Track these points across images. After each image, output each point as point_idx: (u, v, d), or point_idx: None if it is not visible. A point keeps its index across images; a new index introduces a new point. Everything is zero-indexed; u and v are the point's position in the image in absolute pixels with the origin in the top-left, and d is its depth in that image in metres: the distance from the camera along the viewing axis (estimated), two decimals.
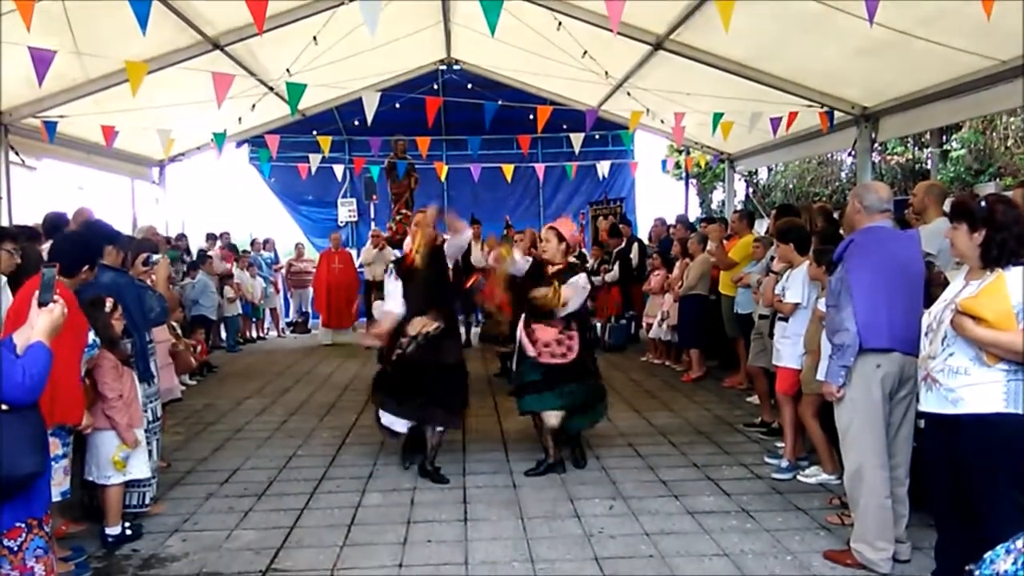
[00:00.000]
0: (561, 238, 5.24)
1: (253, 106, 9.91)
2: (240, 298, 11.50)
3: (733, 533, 4.15)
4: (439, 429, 5.12)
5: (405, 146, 11.63)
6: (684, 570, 3.72)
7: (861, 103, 8.40)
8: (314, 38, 8.26)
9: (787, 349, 5.06)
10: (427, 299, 5.11)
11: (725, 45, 8.03)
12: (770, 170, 18.63)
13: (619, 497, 4.73)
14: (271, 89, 9.99)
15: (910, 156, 15.90)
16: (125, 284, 4.32)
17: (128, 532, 4.14)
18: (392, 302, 5.20)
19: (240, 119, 10.27)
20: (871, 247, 3.58)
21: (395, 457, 5.50)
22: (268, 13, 6.00)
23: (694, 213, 15.66)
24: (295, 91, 8.11)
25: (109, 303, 3.97)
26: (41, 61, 5.98)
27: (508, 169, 12.05)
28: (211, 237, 12.33)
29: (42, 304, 2.52)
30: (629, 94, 10.14)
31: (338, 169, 12.96)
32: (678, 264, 8.81)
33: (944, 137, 14.06)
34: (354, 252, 13.23)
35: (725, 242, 8.00)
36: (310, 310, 13.71)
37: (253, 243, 13.50)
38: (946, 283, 3.45)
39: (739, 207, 12.53)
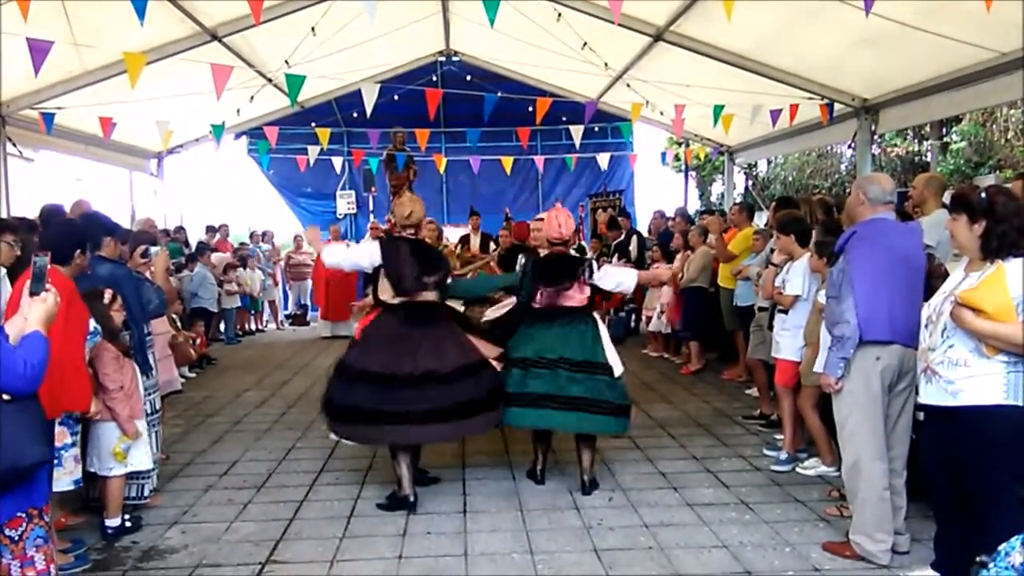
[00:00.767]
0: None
1: (251, 98, 9.86)
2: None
3: (732, 525, 4.16)
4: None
5: (404, 138, 11.58)
6: (683, 562, 3.72)
7: (861, 95, 8.37)
8: (312, 29, 8.22)
9: (786, 341, 5.06)
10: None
11: (725, 37, 8.00)
12: (770, 162, 18.59)
13: (618, 489, 4.74)
14: (269, 81, 9.94)
15: (909, 148, 15.88)
16: (123, 276, 4.32)
17: (127, 524, 4.15)
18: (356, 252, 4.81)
19: (238, 111, 10.23)
20: (874, 239, 3.57)
21: None
22: (265, 4, 6.01)
23: (693, 206, 15.62)
24: (295, 82, 8.08)
25: (108, 294, 3.96)
26: (38, 51, 5.93)
27: (507, 161, 12.00)
28: (211, 229, 12.32)
29: (33, 294, 2.49)
30: (629, 86, 10.11)
31: (337, 161, 12.90)
32: (679, 256, 8.80)
33: (944, 129, 14.06)
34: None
35: (724, 234, 8.00)
36: (309, 303, 13.70)
37: (252, 235, 13.49)
38: (946, 275, 3.44)
39: (738, 199, 12.51)
